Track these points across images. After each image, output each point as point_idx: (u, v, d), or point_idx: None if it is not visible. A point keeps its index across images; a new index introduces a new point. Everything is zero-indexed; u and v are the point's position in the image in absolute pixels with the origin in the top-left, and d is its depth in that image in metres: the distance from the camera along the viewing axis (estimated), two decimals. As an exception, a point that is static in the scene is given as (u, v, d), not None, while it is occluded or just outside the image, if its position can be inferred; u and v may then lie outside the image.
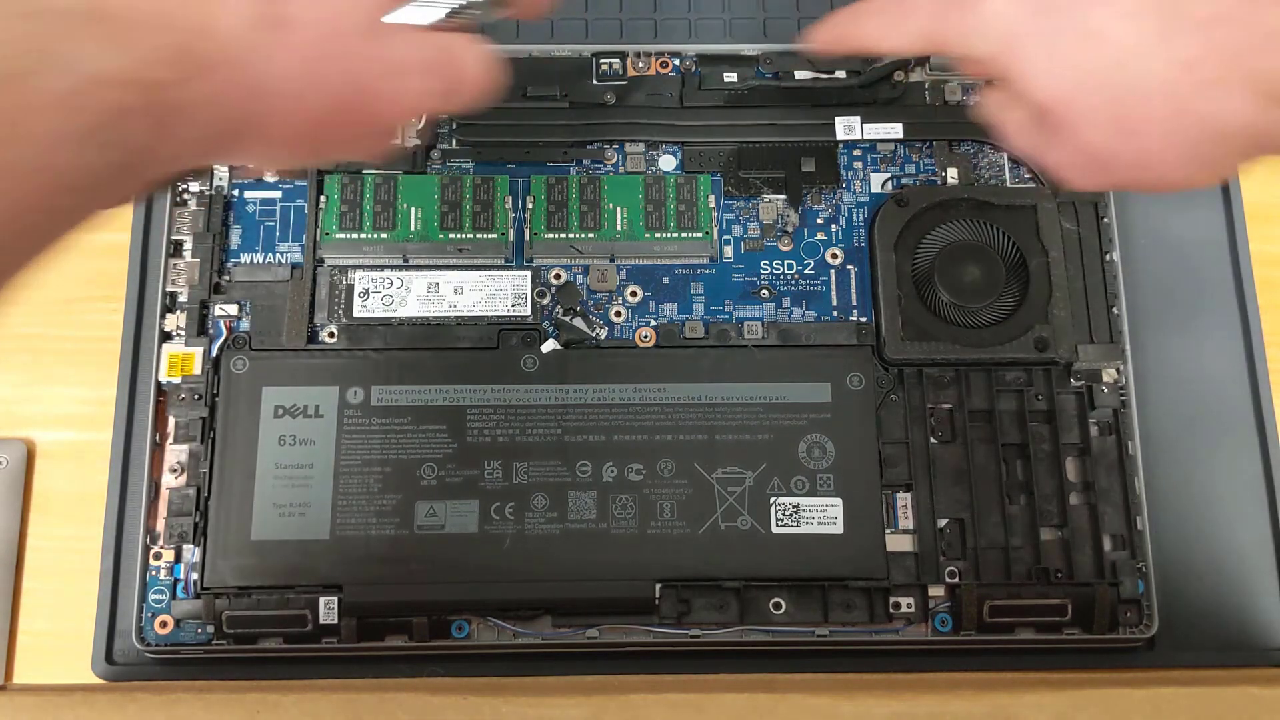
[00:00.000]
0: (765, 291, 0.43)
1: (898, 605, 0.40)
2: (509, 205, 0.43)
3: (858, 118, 0.45)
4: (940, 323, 0.42)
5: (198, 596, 0.39)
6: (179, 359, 0.41)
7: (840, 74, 0.46)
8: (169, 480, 0.40)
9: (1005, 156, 0.45)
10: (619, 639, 0.39)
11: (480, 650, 0.39)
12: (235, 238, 0.43)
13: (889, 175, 0.45)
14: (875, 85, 0.46)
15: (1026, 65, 0.31)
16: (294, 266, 0.43)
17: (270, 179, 0.44)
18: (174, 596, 0.39)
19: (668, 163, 0.45)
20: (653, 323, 0.43)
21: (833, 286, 0.43)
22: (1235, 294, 0.45)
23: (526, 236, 0.43)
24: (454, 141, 0.45)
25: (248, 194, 0.44)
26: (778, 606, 0.40)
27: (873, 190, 0.45)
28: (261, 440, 0.40)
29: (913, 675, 0.39)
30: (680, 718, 0.35)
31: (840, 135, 0.45)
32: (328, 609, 0.39)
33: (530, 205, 0.43)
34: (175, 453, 0.41)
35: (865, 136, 0.45)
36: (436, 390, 0.41)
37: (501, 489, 0.40)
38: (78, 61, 0.23)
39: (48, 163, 0.24)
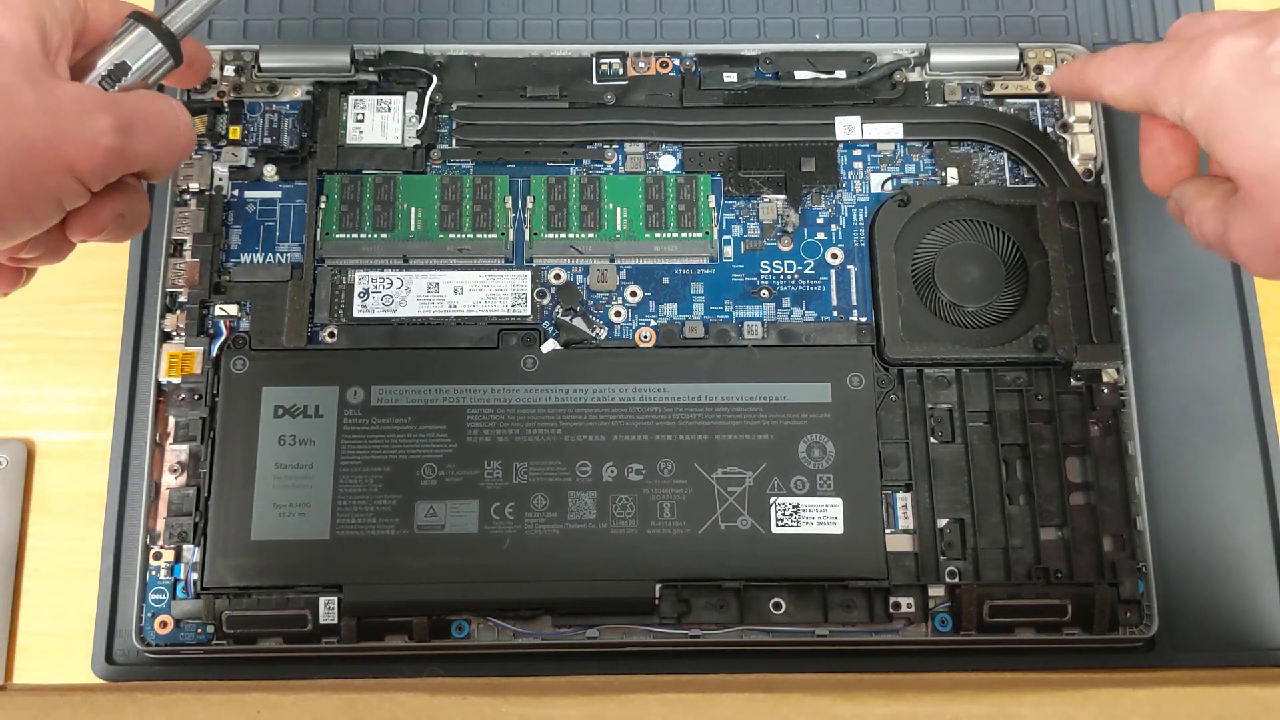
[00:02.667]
0: (765, 291, 0.43)
1: (898, 605, 0.40)
2: (509, 205, 0.43)
3: (858, 118, 0.45)
4: (940, 323, 0.42)
5: (198, 596, 0.39)
6: (179, 359, 0.41)
7: (840, 74, 0.46)
8: (169, 480, 0.40)
9: (1005, 156, 0.45)
10: (619, 639, 0.39)
11: (480, 650, 0.39)
12: (235, 238, 0.43)
13: (889, 175, 0.45)
14: (875, 85, 0.46)
15: (1230, 132, 0.31)
16: (294, 266, 0.43)
17: (270, 179, 0.44)
18: (174, 596, 0.39)
19: (668, 163, 0.45)
20: (653, 323, 0.43)
21: (833, 286, 0.43)
22: (1235, 294, 0.45)
23: (526, 236, 0.43)
24: (454, 141, 0.45)
25: (248, 194, 0.44)
26: (778, 606, 0.40)
27: (873, 190, 0.45)
28: (261, 440, 0.40)
29: (913, 675, 0.39)
30: (680, 718, 0.35)
31: (840, 135, 0.45)
32: (328, 609, 0.39)
33: (530, 205, 0.43)
34: (175, 453, 0.41)
35: (865, 136, 0.45)
36: (436, 390, 0.41)
37: (501, 489, 0.40)
38: None
39: None
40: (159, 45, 0.34)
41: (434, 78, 0.45)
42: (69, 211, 0.32)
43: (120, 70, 0.34)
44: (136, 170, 0.33)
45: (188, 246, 0.43)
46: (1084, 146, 0.44)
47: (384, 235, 0.43)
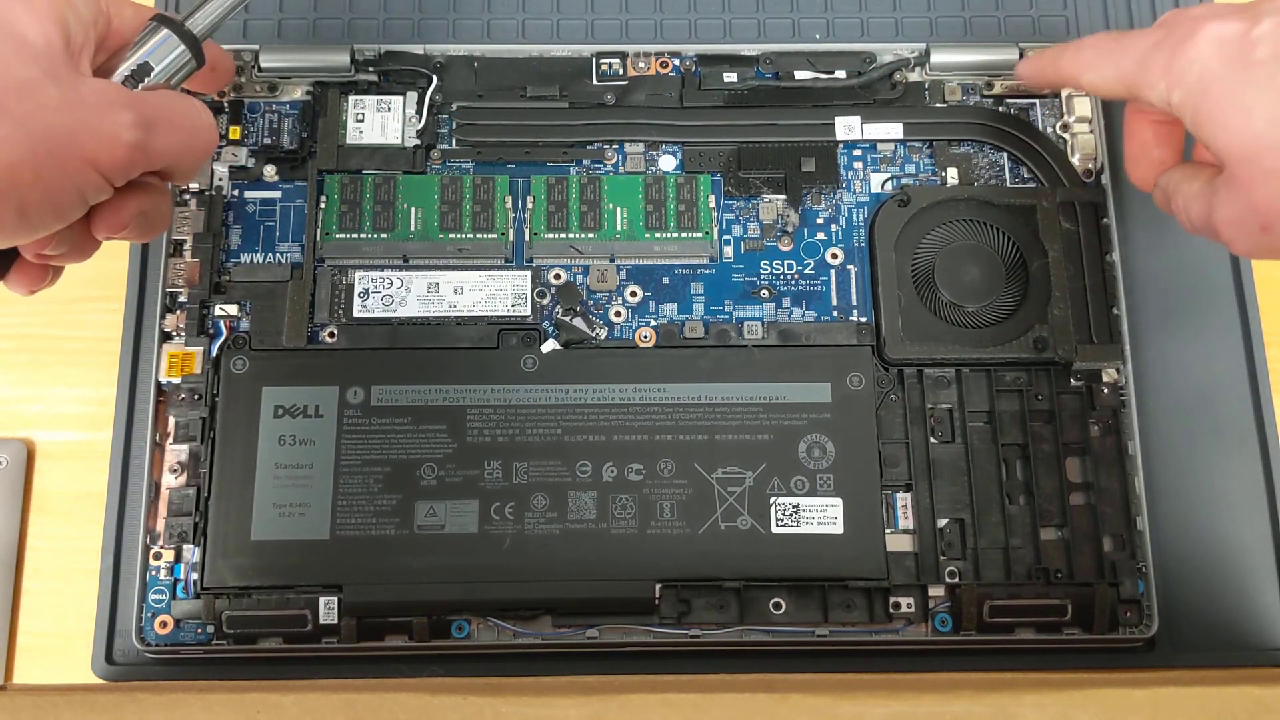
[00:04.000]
0: (765, 291, 0.43)
1: (898, 605, 0.40)
2: (509, 205, 0.43)
3: (858, 118, 0.45)
4: (940, 323, 0.42)
5: (198, 596, 0.39)
6: (179, 359, 0.41)
7: (840, 74, 0.46)
8: (169, 480, 0.40)
9: (1005, 156, 0.45)
10: (619, 639, 0.39)
11: (480, 650, 0.39)
12: (235, 238, 0.43)
13: (889, 175, 0.45)
14: (875, 85, 0.46)
15: (1215, 114, 0.32)
16: (294, 266, 0.43)
17: (270, 179, 0.44)
18: (174, 596, 0.39)
19: (668, 163, 0.45)
20: (653, 323, 0.43)
21: (833, 286, 0.43)
22: (1235, 294, 0.45)
23: (526, 236, 0.43)
24: (454, 141, 0.45)
25: (248, 194, 0.44)
26: (778, 606, 0.40)
27: (873, 190, 0.45)
28: (261, 440, 0.40)
29: (913, 675, 0.39)
30: (680, 718, 0.35)
31: (840, 135, 0.45)
32: (328, 609, 0.39)
33: (530, 205, 0.43)
34: (175, 453, 0.41)
35: (865, 136, 0.45)
36: (436, 390, 0.41)
37: (501, 489, 0.40)
38: None
39: None
40: (181, 47, 0.34)
41: (434, 78, 0.45)
42: (93, 208, 0.32)
43: (143, 71, 0.34)
44: (159, 168, 0.33)
45: (188, 246, 0.43)
46: (1084, 146, 0.44)
47: (384, 235, 0.43)
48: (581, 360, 0.42)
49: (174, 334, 0.42)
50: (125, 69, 0.34)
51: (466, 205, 0.43)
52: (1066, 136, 0.45)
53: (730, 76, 0.46)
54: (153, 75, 0.34)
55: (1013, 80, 0.45)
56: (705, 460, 0.40)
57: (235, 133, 0.44)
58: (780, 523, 0.40)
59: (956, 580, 0.40)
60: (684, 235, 0.43)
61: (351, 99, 0.45)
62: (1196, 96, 0.32)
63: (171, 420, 0.41)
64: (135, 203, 0.33)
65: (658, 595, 0.39)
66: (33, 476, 0.42)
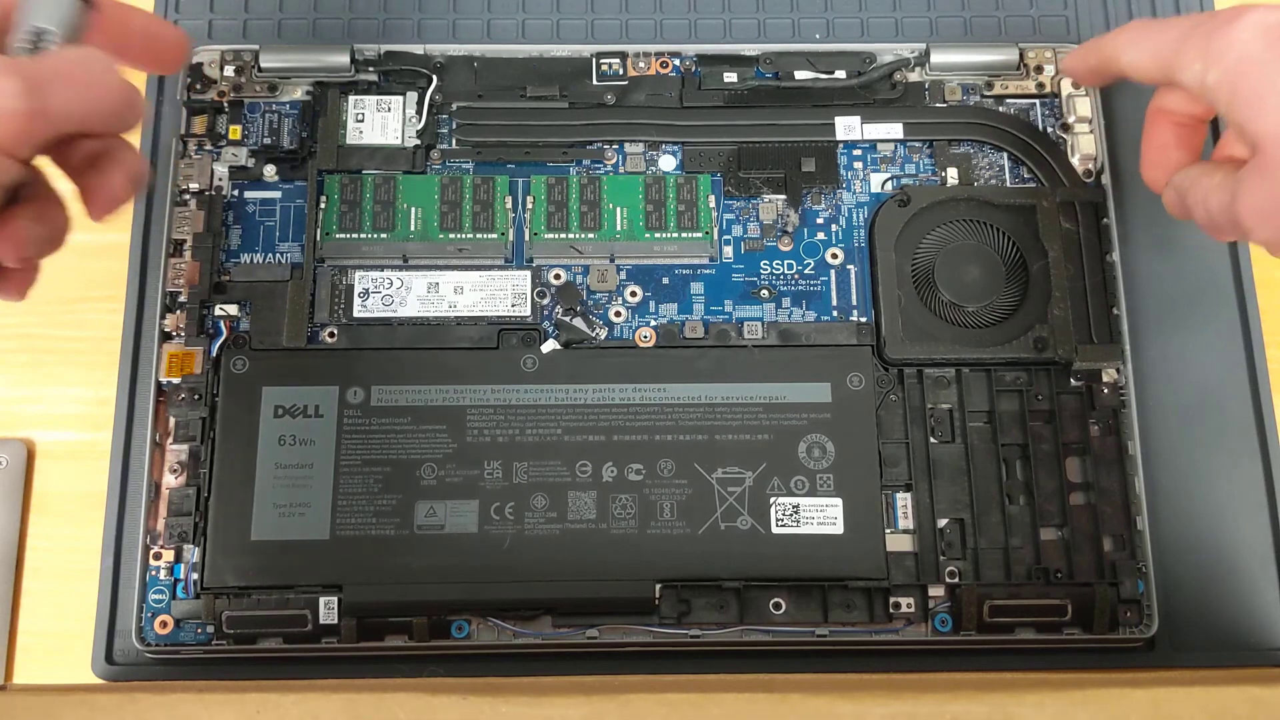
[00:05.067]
0: (765, 291, 0.43)
1: (898, 605, 0.40)
2: (509, 205, 0.43)
3: (858, 118, 0.45)
4: (940, 323, 0.42)
5: (198, 596, 0.39)
6: (179, 359, 0.41)
7: (840, 74, 0.46)
8: (169, 480, 0.40)
9: (1005, 156, 0.45)
10: (619, 639, 0.39)
11: (480, 650, 0.39)
12: (235, 238, 0.43)
13: (889, 175, 0.45)
14: (875, 85, 0.46)
15: (1252, 98, 0.32)
16: (294, 266, 0.43)
17: (270, 179, 0.44)
18: (174, 596, 0.39)
19: (668, 163, 0.45)
20: (653, 323, 0.43)
21: (833, 286, 0.43)
22: (1235, 294, 0.45)
23: (526, 236, 0.43)
24: (454, 141, 0.45)
25: (248, 194, 0.44)
26: (778, 606, 0.40)
27: (873, 190, 0.45)
28: (261, 440, 0.40)
29: (912, 675, 0.39)
30: (680, 718, 0.35)
31: (840, 135, 0.45)
32: (328, 609, 0.39)
33: (530, 205, 0.43)
34: (175, 453, 0.41)
35: (865, 136, 0.45)
36: (436, 390, 0.41)
37: (501, 489, 0.40)
38: None
39: None
40: None
41: (434, 78, 0.45)
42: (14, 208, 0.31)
43: (38, 34, 0.31)
44: (73, 129, 0.31)
45: (188, 246, 0.43)
46: (1084, 146, 0.44)
47: (384, 235, 0.43)
48: (581, 360, 0.42)
49: (174, 334, 0.42)
50: (21, 39, 0.31)
51: (466, 205, 0.43)
52: (1066, 136, 0.45)
53: (730, 76, 0.46)
54: (47, 36, 0.31)
55: (1012, 79, 0.45)
56: (705, 460, 0.40)
57: (235, 133, 0.44)
58: (780, 523, 0.40)
59: (956, 580, 0.40)
60: (684, 235, 0.43)
61: (351, 99, 0.45)
62: (1235, 77, 0.32)
63: (171, 420, 0.41)
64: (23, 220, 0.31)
65: (658, 595, 0.39)
66: (33, 476, 0.42)
